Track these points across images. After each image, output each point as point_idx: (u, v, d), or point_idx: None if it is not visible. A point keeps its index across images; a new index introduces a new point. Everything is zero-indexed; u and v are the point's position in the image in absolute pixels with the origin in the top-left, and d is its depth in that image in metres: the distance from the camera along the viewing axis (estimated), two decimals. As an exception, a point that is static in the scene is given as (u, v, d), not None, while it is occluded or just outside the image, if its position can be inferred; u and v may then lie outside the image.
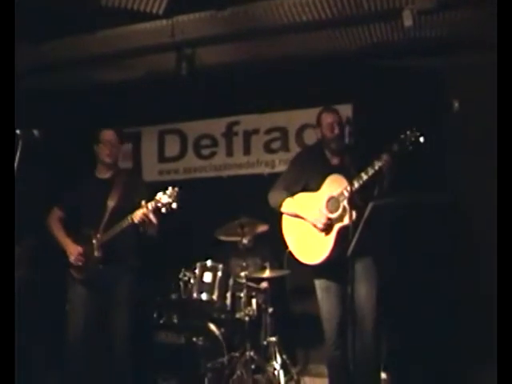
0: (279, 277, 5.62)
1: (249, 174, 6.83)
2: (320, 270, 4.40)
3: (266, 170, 6.73)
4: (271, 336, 5.50)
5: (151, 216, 4.52)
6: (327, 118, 4.54)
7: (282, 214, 4.65)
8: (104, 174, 4.99)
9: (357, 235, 3.51)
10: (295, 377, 5.50)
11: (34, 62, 5.89)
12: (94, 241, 4.69)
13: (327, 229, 4.28)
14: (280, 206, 4.59)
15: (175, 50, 5.75)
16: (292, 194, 4.58)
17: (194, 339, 5.30)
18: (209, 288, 5.51)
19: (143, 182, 5.41)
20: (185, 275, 5.58)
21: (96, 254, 4.68)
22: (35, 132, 3.80)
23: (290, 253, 4.57)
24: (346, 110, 5.95)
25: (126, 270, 4.82)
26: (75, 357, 4.69)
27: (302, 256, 4.45)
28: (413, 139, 4.06)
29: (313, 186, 4.49)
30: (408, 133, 4.08)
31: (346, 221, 4.05)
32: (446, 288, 5.39)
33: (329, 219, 4.26)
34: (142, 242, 4.87)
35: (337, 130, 4.44)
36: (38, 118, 4.62)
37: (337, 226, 4.23)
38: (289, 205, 4.55)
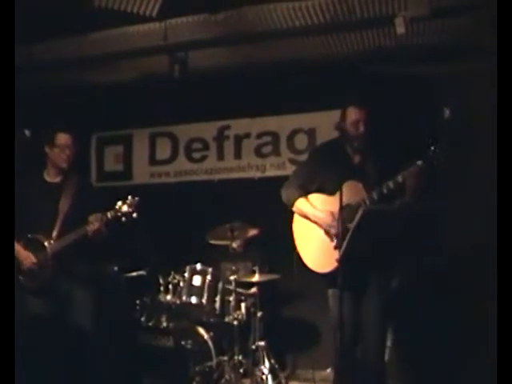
0: (268, 281, 5.62)
1: (239, 178, 6.82)
2: (328, 278, 4.14)
3: (257, 175, 6.73)
4: (260, 340, 5.50)
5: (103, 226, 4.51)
6: (354, 114, 4.27)
7: (293, 212, 4.47)
8: (54, 178, 4.83)
9: (347, 240, 3.48)
10: (283, 381, 5.49)
11: (26, 62, 5.87)
12: (47, 248, 4.52)
13: (339, 237, 3.96)
14: (292, 204, 4.41)
15: (168, 52, 5.74)
16: (306, 193, 4.39)
17: (183, 342, 5.28)
18: (198, 291, 5.51)
19: (93, 188, 5.38)
20: (174, 278, 5.57)
21: (49, 261, 4.51)
22: (26, 132, 3.78)
23: (298, 255, 4.36)
24: (337, 116, 5.97)
25: (80, 278, 4.67)
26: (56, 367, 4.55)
27: (311, 262, 4.26)
28: (438, 154, 3.90)
29: (329, 186, 4.26)
30: (433, 148, 3.90)
31: None
32: (439, 293, 5.40)
33: (343, 227, 3.86)
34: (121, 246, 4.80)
35: (362, 128, 4.20)
36: (29, 119, 4.61)
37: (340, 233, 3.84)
38: (301, 205, 4.36)
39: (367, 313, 4.14)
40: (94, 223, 4.45)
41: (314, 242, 4.28)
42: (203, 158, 7.05)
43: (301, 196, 4.38)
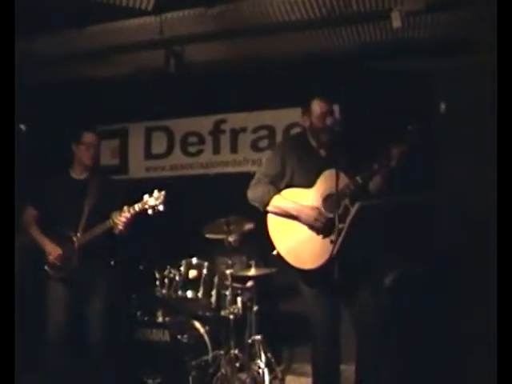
0: (265, 275, 5.62)
1: (235, 172, 6.82)
2: (317, 274, 4.03)
3: (253, 169, 6.72)
4: (256, 334, 5.51)
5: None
6: (320, 107, 4.25)
7: (266, 212, 4.33)
8: (80, 175, 5.04)
9: (342, 235, 3.47)
10: (280, 375, 5.51)
11: (20, 57, 5.85)
12: (74, 242, 4.73)
13: (326, 230, 3.99)
14: (267, 204, 4.26)
15: (164, 46, 5.73)
16: (278, 190, 4.26)
17: (179, 337, 5.28)
18: (194, 286, 5.51)
19: (118, 183, 5.51)
20: (170, 272, 5.57)
21: (76, 254, 4.72)
22: (22, 126, 3.79)
23: (278, 255, 4.24)
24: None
25: (105, 268, 4.98)
26: (56, 356, 4.72)
27: (295, 260, 4.13)
28: (415, 134, 3.90)
29: (302, 179, 4.19)
30: (410, 128, 3.91)
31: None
32: (435, 289, 5.40)
33: (329, 219, 3.94)
34: (118, 240, 4.87)
35: (329, 121, 4.15)
36: (24, 113, 4.60)
37: (338, 227, 3.74)
38: (278, 202, 4.21)
39: (362, 310, 4.11)
40: (122, 216, 4.62)
41: (296, 240, 4.15)
42: (199, 152, 7.05)
43: (274, 193, 4.26)
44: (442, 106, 3.93)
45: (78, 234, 4.73)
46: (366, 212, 3.35)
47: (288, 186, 4.27)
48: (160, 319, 5.52)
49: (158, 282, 5.59)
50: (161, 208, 4.58)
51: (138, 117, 7.19)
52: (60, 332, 4.71)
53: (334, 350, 4.22)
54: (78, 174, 5.04)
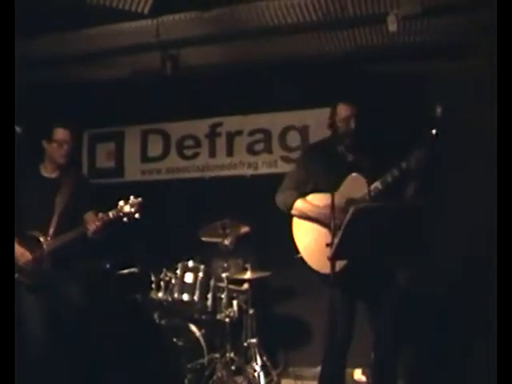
0: (260, 278, 5.62)
1: (231, 176, 6.82)
2: (335, 279, 3.89)
3: (249, 172, 6.73)
4: (252, 337, 5.51)
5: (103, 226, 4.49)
6: (344, 111, 4.24)
7: (291, 216, 4.36)
8: (51, 173, 4.80)
9: (338, 238, 3.46)
10: (275, 379, 5.50)
11: (17, 58, 5.85)
12: (43, 246, 4.48)
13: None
14: (290, 207, 4.31)
15: (160, 49, 5.74)
16: (303, 194, 4.31)
17: (175, 340, 5.27)
18: (190, 289, 5.49)
19: (90, 184, 5.20)
20: (166, 275, 5.56)
21: (46, 259, 4.48)
22: (17, 129, 3.77)
23: (302, 259, 4.24)
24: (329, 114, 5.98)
25: (76, 274, 4.68)
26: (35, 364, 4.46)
27: (316, 263, 4.13)
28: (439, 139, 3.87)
29: (326, 185, 4.13)
30: (434, 132, 3.87)
31: None
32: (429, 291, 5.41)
33: None
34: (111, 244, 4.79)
35: (353, 125, 4.16)
36: (21, 115, 4.58)
37: (334, 231, 3.69)
38: (300, 206, 4.28)
39: (375, 316, 4.15)
40: (94, 223, 4.42)
41: (317, 243, 4.16)
42: (195, 155, 7.04)
43: (298, 197, 4.31)
44: (438, 110, 3.93)
45: (48, 238, 4.50)
46: (361, 215, 3.34)
47: (313, 190, 4.31)
48: (156, 322, 5.51)
49: (153, 285, 5.58)
50: (137, 216, 4.42)
51: (133, 120, 7.18)
52: (39, 343, 4.45)
53: (345, 355, 4.22)
54: (49, 172, 4.80)
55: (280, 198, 4.45)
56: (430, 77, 5.74)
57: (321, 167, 4.29)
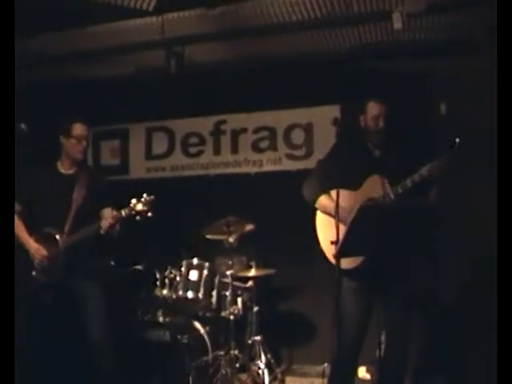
0: (265, 276, 5.62)
1: (236, 173, 6.83)
2: (351, 275, 4.05)
3: (253, 170, 6.73)
4: (256, 335, 5.51)
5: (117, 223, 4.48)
6: (374, 109, 4.27)
7: (315, 209, 4.38)
8: (68, 169, 4.74)
9: (344, 236, 3.46)
10: (279, 376, 5.51)
11: (22, 56, 5.86)
12: (59, 243, 4.46)
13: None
14: (315, 201, 4.33)
15: (164, 47, 5.74)
16: (328, 189, 4.25)
17: (179, 337, 5.28)
18: (194, 286, 5.49)
19: (106, 181, 5.14)
20: (171, 273, 5.56)
21: (61, 256, 4.46)
22: (23, 126, 3.77)
23: (321, 251, 4.27)
24: (334, 111, 5.98)
25: (93, 272, 4.63)
26: (56, 358, 4.58)
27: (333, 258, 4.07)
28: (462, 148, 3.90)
29: (351, 181, 4.20)
30: (458, 140, 3.90)
31: None
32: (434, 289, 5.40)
33: None
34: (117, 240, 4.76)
35: (382, 124, 4.21)
36: (25, 113, 4.58)
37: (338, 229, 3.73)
38: (324, 201, 4.29)
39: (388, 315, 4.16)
40: (107, 220, 4.39)
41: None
42: (200, 153, 7.05)
43: (323, 192, 4.30)
44: (443, 108, 3.93)
45: (64, 236, 4.46)
46: (367, 213, 3.34)
47: (339, 185, 4.14)
48: (160, 319, 5.51)
49: (158, 283, 5.58)
50: (149, 214, 4.37)
51: (138, 117, 7.18)
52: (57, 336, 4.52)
53: (357, 352, 4.22)
54: (66, 168, 4.74)
55: (305, 191, 4.45)
56: (434, 74, 5.73)
57: (348, 162, 4.28)
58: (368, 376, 5.32)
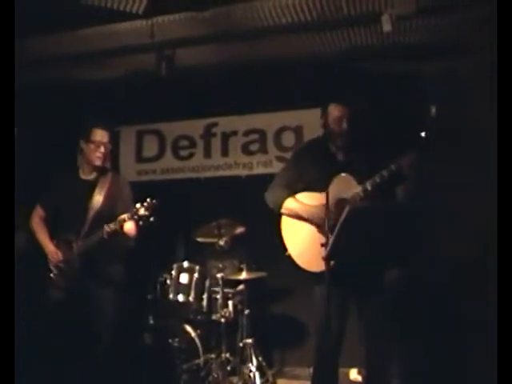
0: (256, 279, 5.62)
1: (226, 176, 6.82)
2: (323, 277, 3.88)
3: (244, 172, 6.73)
4: (247, 338, 5.50)
5: (126, 228, 4.50)
6: (336, 111, 4.21)
7: (280, 215, 4.32)
8: (89, 175, 4.79)
9: (333, 238, 3.46)
10: (271, 379, 5.50)
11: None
12: (73, 247, 4.54)
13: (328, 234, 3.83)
14: (280, 206, 4.28)
15: (155, 50, 5.73)
16: (293, 193, 4.27)
17: (170, 340, 5.28)
18: (185, 289, 5.50)
19: (128, 187, 5.01)
20: (161, 276, 5.57)
21: (75, 261, 4.54)
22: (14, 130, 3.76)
23: (290, 257, 4.23)
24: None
25: (107, 279, 4.64)
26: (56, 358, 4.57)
27: (305, 262, 4.13)
28: (430, 141, 3.88)
29: (317, 183, 4.15)
30: (424, 134, 3.87)
31: None
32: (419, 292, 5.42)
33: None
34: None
35: (345, 125, 4.13)
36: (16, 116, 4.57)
37: (328, 231, 3.65)
38: (290, 205, 4.24)
39: (366, 315, 4.13)
40: (109, 226, 4.41)
41: (306, 241, 4.16)
42: (190, 156, 7.05)
43: (288, 196, 4.29)
44: (433, 110, 3.93)
45: (79, 241, 4.53)
46: (356, 215, 3.34)
47: (304, 189, 4.29)
48: (151, 322, 5.51)
49: (149, 286, 5.58)
50: (151, 219, 4.37)
51: (129, 120, 7.17)
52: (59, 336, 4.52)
53: (337, 354, 4.21)
54: (86, 174, 4.80)
55: (270, 197, 4.43)
56: (424, 76, 5.75)
57: (312, 166, 4.27)
58: (359, 378, 5.34)
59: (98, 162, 4.70)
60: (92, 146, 4.67)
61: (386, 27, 5.06)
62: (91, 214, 4.61)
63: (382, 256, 3.98)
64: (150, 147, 7.21)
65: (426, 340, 5.34)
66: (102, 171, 4.81)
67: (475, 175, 5.01)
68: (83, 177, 4.80)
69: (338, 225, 3.37)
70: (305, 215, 4.18)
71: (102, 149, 4.69)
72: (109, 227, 4.40)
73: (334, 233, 3.43)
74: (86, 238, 4.52)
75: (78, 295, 4.55)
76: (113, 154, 7.16)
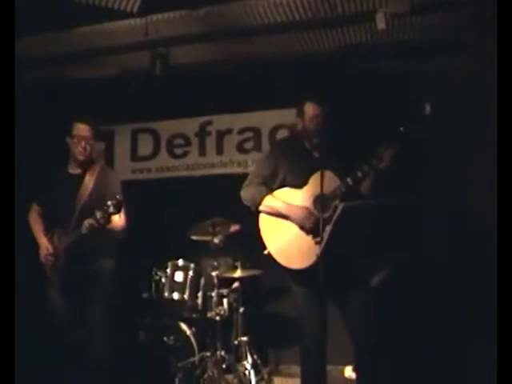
0: (251, 276, 5.62)
1: (221, 174, 6.83)
2: (305, 275, 4.00)
3: (239, 170, 6.73)
4: (242, 336, 5.51)
5: (114, 220, 4.52)
6: (311, 110, 4.26)
7: (258, 212, 4.35)
8: (75, 169, 4.83)
9: (326, 237, 3.47)
10: (266, 377, 5.52)
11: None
12: (63, 240, 4.59)
13: (315, 231, 3.95)
14: (259, 203, 4.29)
15: (149, 48, 5.73)
16: (270, 190, 4.29)
17: (165, 338, 5.28)
18: (180, 287, 5.51)
19: (117, 179, 5.04)
20: (156, 274, 5.57)
21: (61, 255, 4.58)
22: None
23: (269, 255, 4.26)
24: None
25: (97, 271, 4.67)
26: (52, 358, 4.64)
27: (285, 260, 4.14)
28: (407, 134, 3.92)
29: (294, 180, 4.19)
30: (402, 128, 3.92)
31: None
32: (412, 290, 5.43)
33: (318, 220, 3.82)
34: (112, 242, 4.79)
35: (321, 123, 4.17)
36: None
37: (328, 228, 3.64)
38: (270, 202, 4.24)
39: (351, 311, 4.13)
40: (87, 220, 4.39)
41: (286, 239, 4.17)
42: (185, 154, 7.04)
43: (266, 193, 4.29)
44: (427, 108, 3.93)
45: (68, 234, 4.55)
46: (350, 213, 3.34)
47: (281, 186, 4.29)
48: (146, 321, 5.51)
49: (144, 284, 5.58)
50: (122, 216, 4.46)
51: (123, 119, 7.17)
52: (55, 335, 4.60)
53: (323, 351, 4.22)
54: (73, 168, 4.84)
55: (247, 194, 4.42)
56: (418, 74, 5.76)
57: (288, 163, 4.29)
58: (354, 375, 5.34)
59: (80, 156, 4.73)
60: (74, 141, 4.71)
61: (381, 25, 5.06)
62: (78, 207, 4.63)
63: (375, 253, 3.98)
64: (145, 146, 7.20)
65: (419, 338, 5.35)
66: (88, 165, 4.83)
67: (474, 173, 5.03)
68: (71, 171, 4.85)
69: (332, 223, 3.37)
70: (286, 213, 4.17)
71: (83, 143, 4.70)
72: (87, 222, 4.38)
73: (329, 231, 3.43)
74: (71, 233, 4.54)
75: (66, 289, 4.63)
76: (107, 153, 7.23)
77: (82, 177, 4.78)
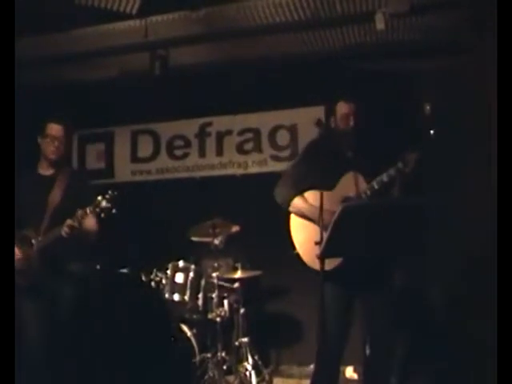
0: (251, 277, 5.62)
1: (221, 175, 6.83)
2: (330, 276, 3.90)
3: (239, 171, 6.73)
4: (243, 337, 5.49)
5: (87, 223, 4.39)
6: (343, 109, 4.21)
7: (289, 212, 4.31)
8: (46, 171, 4.65)
9: (326, 236, 3.46)
10: (267, 378, 5.49)
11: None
12: (33, 243, 4.40)
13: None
14: (288, 204, 4.26)
15: (148, 50, 5.74)
16: (301, 191, 4.25)
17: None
18: (181, 289, 5.50)
19: (88, 184, 4.93)
20: (157, 276, 5.56)
21: (36, 257, 4.38)
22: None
23: (298, 255, 4.21)
24: (318, 112, 5.97)
25: (70, 276, 4.50)
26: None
27: (312, 261, 4.01)
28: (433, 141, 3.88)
29: (325, 182, 4.06)
30: (432, 132, 3.86)
31: None
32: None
33: None
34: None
35: (352, 123, 4.15)
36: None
37: (322, 230, 3.63)
38: (298, 204, 4.23)
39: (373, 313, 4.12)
40: (67, 221, 4.26)
41: (312, 241, 3.98)
42: (185, 156, 7.05)
43: (296, 194, 4.26)
44: (427, 108, 3.93)
45: (39, 237, 4.37)
46: (350, 213, 3.33)
47: (311, 187, 4.24)
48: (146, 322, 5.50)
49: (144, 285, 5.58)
50: (114, 211, 4.25)
51: (123, 120, 7.17)
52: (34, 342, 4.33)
53: (341, 352, 4.21)
54: (44, 169, 4.66)
55: (278, 194, 4.39)
56: (417, 74, 5.76)
57: (320, 163, 4.21)
58: (355, 376, 5.34)
59: (52, 156, 4.60)
60: (47, 140, 4.59)
61: (380, 25, 5.07)
62: (50, 209, 4.50)
63: (378, 255, 3.97)
64: (145, 147, 7.20)
65: (426, 340, 5.35)
66: (60, 166, 4.71)
67: (475, 174, 5.02)
68: (41, 172, 4.70)
69: (332, 223, 3.36)
70: (309, 215, 4.17)
71: (56, 143, 4.59)
72: (67, 223, 4.26)
73: (328, 231, 3.42)
74: (44, 235, 4.41)
75: (39, 291, 4.39)
76: (107, 154, 7.24)
77: (53, 178, 4.64)
